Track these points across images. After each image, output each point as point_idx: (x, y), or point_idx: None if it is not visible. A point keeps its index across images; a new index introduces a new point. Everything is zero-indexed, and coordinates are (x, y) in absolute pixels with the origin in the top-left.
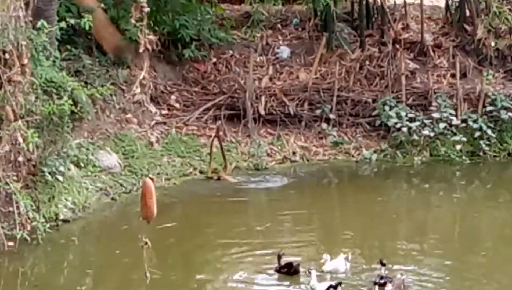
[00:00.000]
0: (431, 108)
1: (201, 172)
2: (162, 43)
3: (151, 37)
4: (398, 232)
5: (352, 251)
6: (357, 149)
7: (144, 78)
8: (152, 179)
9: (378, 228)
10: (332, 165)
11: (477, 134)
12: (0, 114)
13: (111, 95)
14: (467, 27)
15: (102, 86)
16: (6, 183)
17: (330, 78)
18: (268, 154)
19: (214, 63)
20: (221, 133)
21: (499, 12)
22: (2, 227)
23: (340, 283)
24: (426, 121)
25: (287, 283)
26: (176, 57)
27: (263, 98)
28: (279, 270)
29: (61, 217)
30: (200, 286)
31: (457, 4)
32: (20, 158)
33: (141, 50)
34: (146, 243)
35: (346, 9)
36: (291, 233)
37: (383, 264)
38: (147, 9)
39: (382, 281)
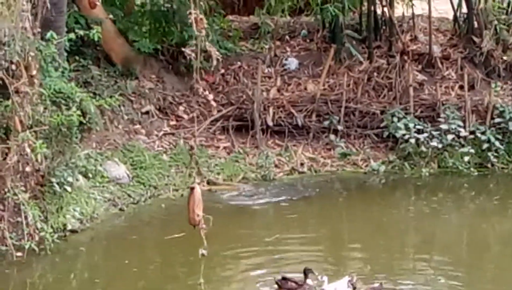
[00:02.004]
0: (439, 119)
1: (208, 182)
2: (170, 54)
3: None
4: (406, 244)
5: (356, 273)
6: (365, 161)
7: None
8: (192, 189)
9: (386, 239)
10: (340, 177)
11: (485, 145)
12: (8, 125)
13: (119, 106)
14: (475, 39)
15: (111, 97)
16: (15, 194)
17: (338, 90)
18: (276, 165)
19: (222, 74)
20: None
21: (508, 25)
22: (11, 238)
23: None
24: (434, 133)
25: None
26: (184, 68)
27: (271, 109)
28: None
29: (69, 227)
30: None
31: (465, 16)
32: (28, 169)
33: (214, 61)
34: (202, 254)
35: (354, 20)
36: (299, 244)
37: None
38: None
39: None
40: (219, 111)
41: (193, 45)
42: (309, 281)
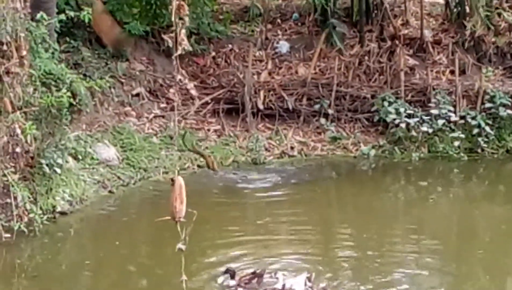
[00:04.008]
0: (430, 104)
1: (199, 166)
2: (161, 36)
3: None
4: (396, 229)
5: (315, 271)
6: (355, 145)
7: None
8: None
9: (375, 224)
10: (330, 160)
11: (476, 131)
12: None
13: (109, 88)
14: (466, 23)
15: (101, 78)
16: (4, 175)
17: (329, 73)
18: (266, 149)
19: (213, 57)
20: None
21: (496, 8)
22: (0, 219)
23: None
24: (424, 118)
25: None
26: (175, 51)
27: (261, 93)
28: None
29: (59, 209)
30: (192, 280)
31: (456, 1)
32: (18, 150)
33: (178, 52)
34: (180, 249)
35: (346, 4)
36: (289, 229)
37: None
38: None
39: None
40: (209, 94)
41: (172, 31)
42: (232, 282)
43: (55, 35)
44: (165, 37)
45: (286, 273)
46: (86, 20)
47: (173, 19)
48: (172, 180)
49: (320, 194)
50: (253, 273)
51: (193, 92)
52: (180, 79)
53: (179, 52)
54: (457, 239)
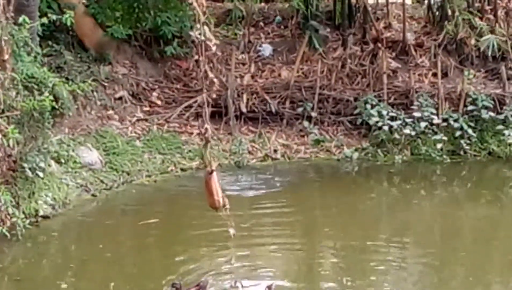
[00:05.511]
0: (413, 107)
1: (182, 169)
2: (144, 40)
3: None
4: (379, 231)
5: (275, 281)
6: (338, 148)
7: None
8: (211, 172)
9: (358, 226)
10: (313, 163)
11: (458, 133)
12: None
13: (92, 91)
14: (448, 26)
15: (84, 82)
16: None
17: (312, 76)
18: (249, 152)
19: (196, 60)
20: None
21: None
22: None
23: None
24: (407, 120)
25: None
26: (158, 54)
27: (244, 96)
28: None
29: (41, 213)
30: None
31: (438, 4)
32: (0, 154)
33: (213, 49)
34: (233, 235)
35: (328, 7)
36: (272, 232)
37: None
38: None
39: None
40: (192, 97)
41: (197, 28)
42: None
43: (37, 38)
44: (192, 34)
45: (247, 281)
46: (68, 24)
47: (200, 17)
48: (211, 172)
49: (303, 197)
50: (197, 285)
51: (215, 80)
52: (201, 65)
53: (213, 49)
54: (440, 240)
